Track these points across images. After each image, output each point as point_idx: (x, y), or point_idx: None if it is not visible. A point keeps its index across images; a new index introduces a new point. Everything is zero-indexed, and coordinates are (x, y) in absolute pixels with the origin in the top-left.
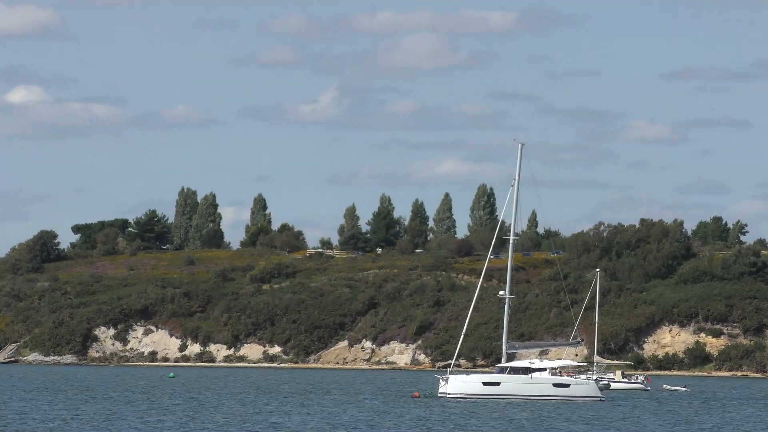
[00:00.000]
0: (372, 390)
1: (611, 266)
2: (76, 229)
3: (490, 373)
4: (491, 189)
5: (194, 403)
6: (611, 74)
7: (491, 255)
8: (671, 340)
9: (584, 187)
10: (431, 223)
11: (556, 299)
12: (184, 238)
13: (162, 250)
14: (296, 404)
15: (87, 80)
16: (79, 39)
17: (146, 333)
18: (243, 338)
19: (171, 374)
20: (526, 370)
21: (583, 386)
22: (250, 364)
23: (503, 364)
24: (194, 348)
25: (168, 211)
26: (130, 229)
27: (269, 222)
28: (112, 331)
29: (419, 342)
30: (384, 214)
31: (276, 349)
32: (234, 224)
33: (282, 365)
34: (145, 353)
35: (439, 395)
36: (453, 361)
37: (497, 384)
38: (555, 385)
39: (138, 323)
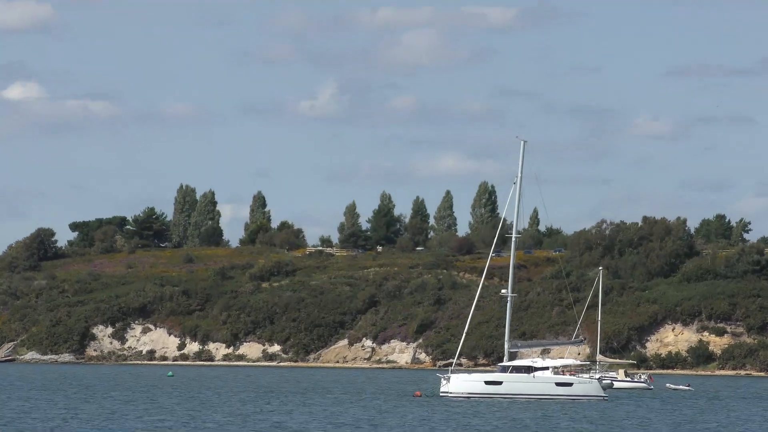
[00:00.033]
0: (373, 389)
1: (614, 264)
2: (74, 226)
3: (492, 372)
4: (492, 186)
5: (195, 402)
6: (613, 71)
7: (493, 253)
8: (674, 338)
9: (586, 185)
10: (432, 221)
11: (558, 298)
12: (183, 235)
13: (160, 248)
14: (297, 403)
15: (85, 77)
16: (76, 35)
17: (144, 331)
18: (242, 337)
19: (170, 373)
20: (529, 369)
21: (586, 385)
22: (249, 363)
23: (505, 363)
24: (193, 347)
25: (166, 209)
26: (128, 226)
27: (268, 219)
28: (110, 330)
29: (420, 341)
30: (384, 212)
31: (275, 348)
32: (233, 222)
33: (281, 364)
34: (144, 352)
35: (441, 394)
36: (455, 360)
37: (499, 383)
38: (558, 384)
39: (136, 322)
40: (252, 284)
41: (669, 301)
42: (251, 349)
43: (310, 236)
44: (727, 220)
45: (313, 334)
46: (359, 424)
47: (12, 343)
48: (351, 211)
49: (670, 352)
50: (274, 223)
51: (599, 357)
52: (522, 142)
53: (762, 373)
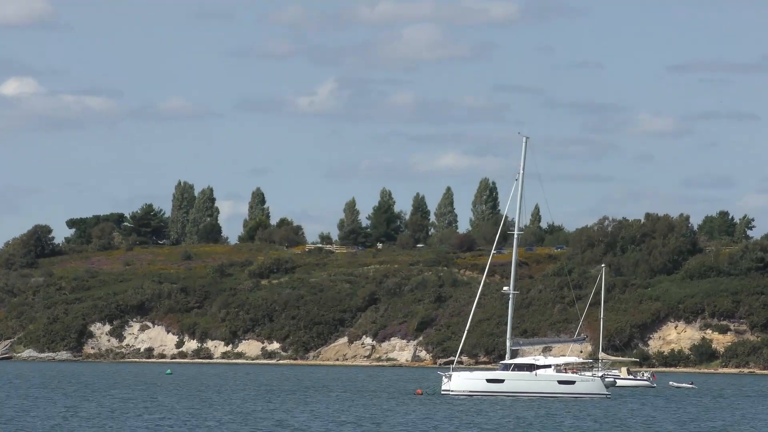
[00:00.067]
0: (374, 387)
1: (616, 261)
2: (71, 223)
3: (493, 370)
4: (493, 183)
5: (195, 400)
6: (616, 66)
7: (494, 250)
8: (677, 336)
9: (588, 181)
10: (432, 218)
11: (560, 295)
12: (181, 232)
13: (158, 245)
14: (299, 401)
15: (81, 72)
16: (73, 30)
17: (142, 329)
18: (241, 334)
19: (168, 371)
20: (531, 367)
21: (588, 383)
22: (248, 361)
23: (507, 361)
24: (191, 344)
25: (164, 206)
26: (125, 223)
27: (267, 216)
28: (107, 327)
29: (420, 338)
30: (384, 209)
31: (275, 346)
32: (232, 218)
33: (281, 362)
34: (142, 350)
35: (442, 392)
36: (456, 358)
37: (501, 381)
38: (560, 382)
39: (134, 319)
40: (251, 281)
41: (672, 299)
42: (250, 346)
43: (310, 233)
44: (730, 217)
45: (312, 332)
46: (362, 423)
47: (9, 340)
48: (351, 208)
49: (672, 350)
50: (274, 220)
51: (601, 355)
52: (524, 139)
53: (765, 371)
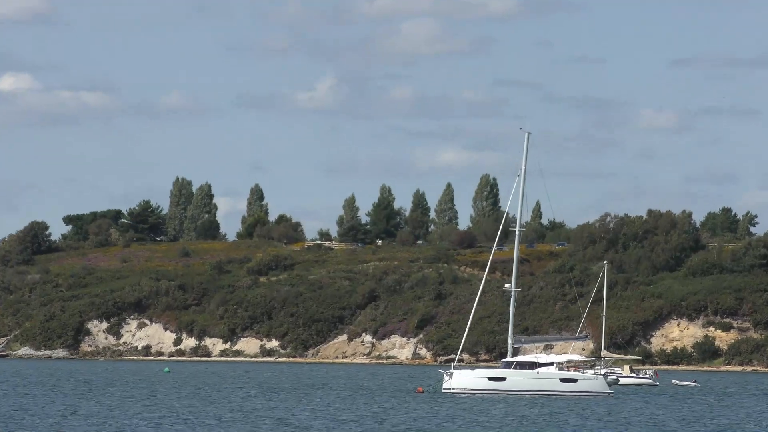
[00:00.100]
0: (375, 385)
1: (618, 258)
2: (68, 220)
3: (494, 367)
4: (494, 179)
5: (195, 398)
6: (617, 61)
7: (496, 247)
8: (679, 334)
9: (589, 178)
10: (433, 214)
11: (561, 292)
12: (179, 229)
13: (156, 242)
14: (300, 400)
15: (78, 67)
16: (69, 25)
17: (140, 327)
18: (239, 332)
19: (166, 369)
20: (533, 365)
21: (591, 381)
22: (246, 359)
23: (509, 359)
24: (189, 342)
25: (162, 202)
26: (123, 220)
27: (266, 213)
28: (104, 325)
29: (420, 336)
30: (384, 205)
31: (273, 343)
32: (230, 215)
33: (280, 360)
34: (139, 347)
35: (444, 390)
36: (457, 356)
37: (503, 379)
38: (562, 380)
39: (131, 317)
40: (249, 279)
41: (674, 296)
42: (249, 344)
43: (309, 230)
44: (733, 214)
45: (311, 330)
46: (363, 421)
47: (5, 338)
48: (350, 204)
49: (675, 348)
50: (272, 217)
51: (604, 353)
52: (526, 134)
53: None
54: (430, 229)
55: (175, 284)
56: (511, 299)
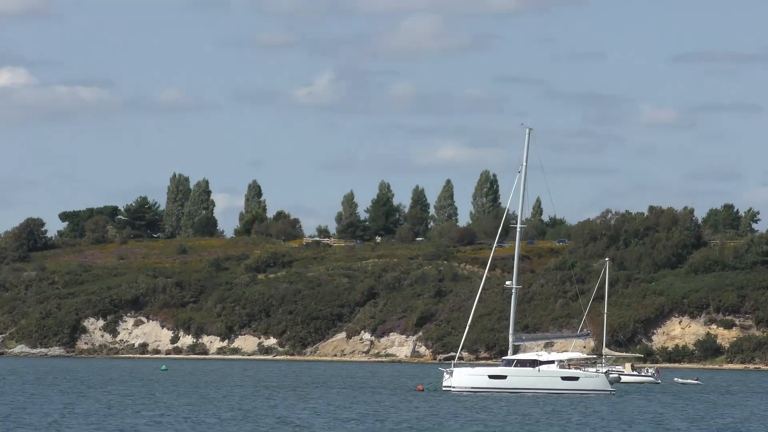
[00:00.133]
0: (375, 383)
1: (619, 255)
2: (64, 216)
3: (495, 365)
4: (494, 175)
5: (194, 396)
6: (618, 57)
7: (496, 244)
8: (681, 331)
9: (590, 174)
10: (432, 211)
11: (562, 289)
12: (176, 225)
13: (153, 239)
14: (299, 397)
15: (74, 62)
16: (66, 20)
17: (137, 324)
18: (237, 330)
19: (163, 367)
20: (534, 363)
21: (592, 379)
22: (244, 357)
23: (510, 357)
24: (187, 340)
25: (159, 198)
26: (120, 216)
27: (264, 209)
28: (101, 323)
29: (420, 334)
30: (383, 202)
31: (271, 341)
32: (227, 211)
33: (278, 357)
34: (136, 345)
35: (444, 389)
36: (457, 354)
37: (504, 377)
38: (564, 378)
39: (128, 314)
40: (247, 276)
41: (676, 293)
42: (246, 342)
43: (307, 226)
44: (735, 210)
45: (310, 327)
46: (365, 420)
47: (0, 336)
48: (349, 201)
49: (677, 346)
50: (270, 213)
51: (605, 350)
52: (527, 130)
53: None
54: (429, 226)
55: (172, 281)
56: (512, 296)
